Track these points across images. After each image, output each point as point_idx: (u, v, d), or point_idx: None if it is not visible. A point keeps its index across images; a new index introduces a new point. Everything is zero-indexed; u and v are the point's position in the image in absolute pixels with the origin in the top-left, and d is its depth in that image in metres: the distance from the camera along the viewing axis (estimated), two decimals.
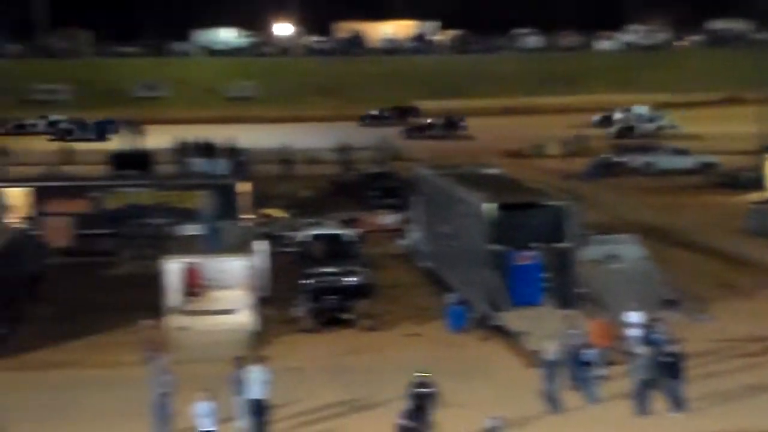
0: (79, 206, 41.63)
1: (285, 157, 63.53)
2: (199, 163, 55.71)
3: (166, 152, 60.26)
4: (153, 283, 30.91)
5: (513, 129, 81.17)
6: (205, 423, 21.81)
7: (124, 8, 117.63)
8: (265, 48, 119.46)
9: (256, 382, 22.70)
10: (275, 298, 32.61)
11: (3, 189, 42.62)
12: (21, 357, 28.79)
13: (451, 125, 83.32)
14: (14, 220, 40.21)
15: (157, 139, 64.66)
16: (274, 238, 37.77)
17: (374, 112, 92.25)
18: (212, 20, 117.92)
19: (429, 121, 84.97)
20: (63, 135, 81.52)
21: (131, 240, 40.25)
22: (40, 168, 53.77)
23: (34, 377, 27.37)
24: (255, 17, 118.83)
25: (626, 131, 79.23)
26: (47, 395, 25.85)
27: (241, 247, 32.01)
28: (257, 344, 28.69)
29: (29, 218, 40.54)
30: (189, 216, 37.75)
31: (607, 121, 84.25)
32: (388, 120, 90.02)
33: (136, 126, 65.07)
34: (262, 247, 33.38)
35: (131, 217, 41.23)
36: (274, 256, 34.82)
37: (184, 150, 61.78)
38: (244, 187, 43.05)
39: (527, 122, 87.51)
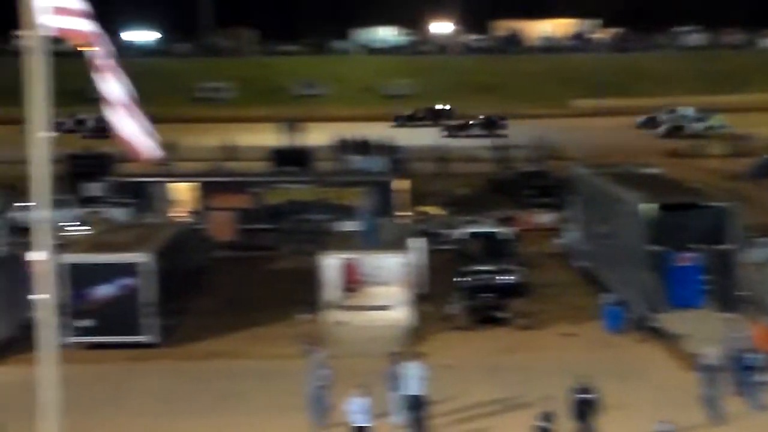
0: (242, 201, 42.60)
1: (441, 155, 63.81)
2: (357, 161, 56.31)
3: (325, 149, 61.23)
4: (311, 278, 31.50)
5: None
6: (359, 419, 22.06)
7: (286, 7, 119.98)
8: (423, 46, 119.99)
9: (413, 378, 22.90)
10: (432, 295, 32.77)
11: (171, 184, 44.06)
12: (186, 347, 29.78)
13: (490, 124, 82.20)
14: (181, 214, 41.61)
15: (317, 136, 65.77)
16: (430, 236, 37.98)
17: (408, 113, 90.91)
18: (372, 19, 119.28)
19: (469, 120, 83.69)
20: (94, 133, 73.60)
21: (291, 235, 41.07)
22: (205, 163, 55.20)
23: (198, 367, 28.29)
24: (414, 16, 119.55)
25: (675, 131, 78.14)
26: (209, 384, 26.67)
27: (398, 243, 32.31)
28: (413, 341, 29.00)
29: (195, 212, 41.71)
30: (347, 212, 38.48)
31: (651, 122, 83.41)
32: (422, 120, 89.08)
33: (296, 124, 66.18)
34: (418, 244, 33.58)
35: (291, 213, 42.04)
36: (431, 253, 34.99)
37: (343, 147, 62.69)
38: (401, 185, 43.40)
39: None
